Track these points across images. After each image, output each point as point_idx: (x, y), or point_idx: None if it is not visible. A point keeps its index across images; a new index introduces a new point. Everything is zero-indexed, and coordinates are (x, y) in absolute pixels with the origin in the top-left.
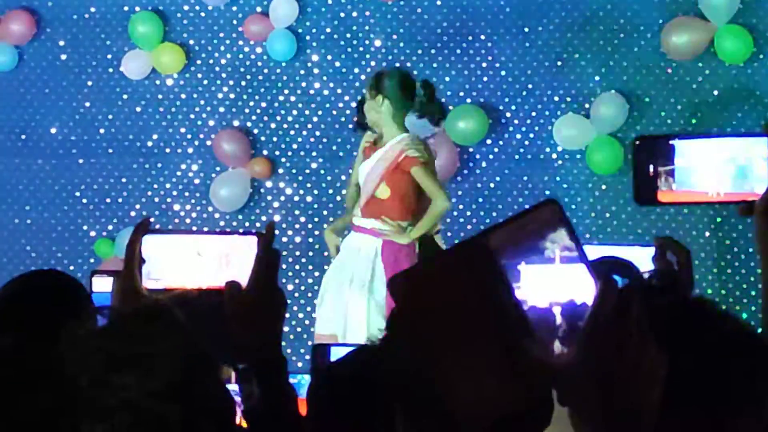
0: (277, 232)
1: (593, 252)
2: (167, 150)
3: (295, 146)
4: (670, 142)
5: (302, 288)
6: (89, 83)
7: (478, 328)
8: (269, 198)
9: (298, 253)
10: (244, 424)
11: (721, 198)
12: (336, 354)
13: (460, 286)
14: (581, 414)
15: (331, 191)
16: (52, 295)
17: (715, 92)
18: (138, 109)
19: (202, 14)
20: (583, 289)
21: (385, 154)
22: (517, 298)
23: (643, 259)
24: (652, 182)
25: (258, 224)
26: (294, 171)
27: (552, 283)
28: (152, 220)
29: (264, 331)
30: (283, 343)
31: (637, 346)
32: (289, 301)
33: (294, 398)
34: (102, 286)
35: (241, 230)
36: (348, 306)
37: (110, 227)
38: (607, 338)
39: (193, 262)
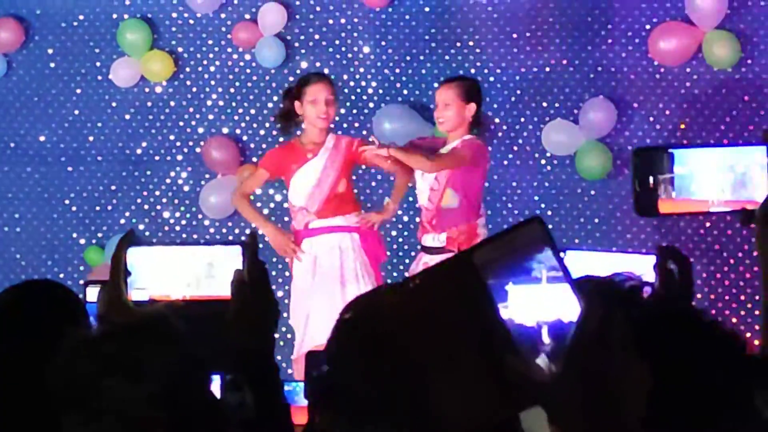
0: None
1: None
2: (156, 157)
3: None
4: (669, 151)
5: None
6: (78, 91)
7: (463, 343)
8: (259, 205)
9: (288, 260)
10: None
11: (720, 207)
12: None
13: (445, 301)
14: (566, 430)
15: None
16: (47, 305)
17: (704, 97)
18: (127, 116)
19: (191, 21)
20: (570, 307)
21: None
22: (501, 315)
23: (643, 267)
24: (652, 194)
25: (248, 231)
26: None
27: (539, 303)
28: (141, 227)
29: (259, 336)
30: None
31: (620, 363)
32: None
33: (287, 407)
34: (95, 295)
35: (224, 240)
36: None
37: (100, 235)
38: (590, 355)
39: (178, 272)
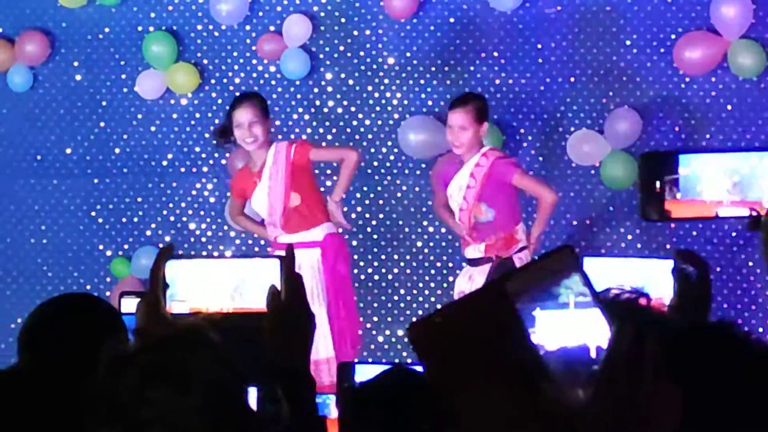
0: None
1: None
2: (182, 169)
3: None
4: (675, 155)
5: None
6: (104, 103)
7: (497, 371)
8: None
9: None
10: None
11: (727, 210)
12: (361, 372)
13: (479, 331)
14: None
15: (345, 209)
16: (86, 318)
17: (729, 107)
18: (152, 128)
19: (216, 34)
20: (598, 333)
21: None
22: (534, 343)
23: (661, 271)
24: (658, 198)
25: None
26: None
27: (566, 328)
28: (167, 238)
29: (296, 349)
30: None
31: (651, 388)
32: None
33: (323, 420)
34: (130, 306)
35: (262, 254)
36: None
37: (126, 246)
38: (621, 380)
39: (216, 285)
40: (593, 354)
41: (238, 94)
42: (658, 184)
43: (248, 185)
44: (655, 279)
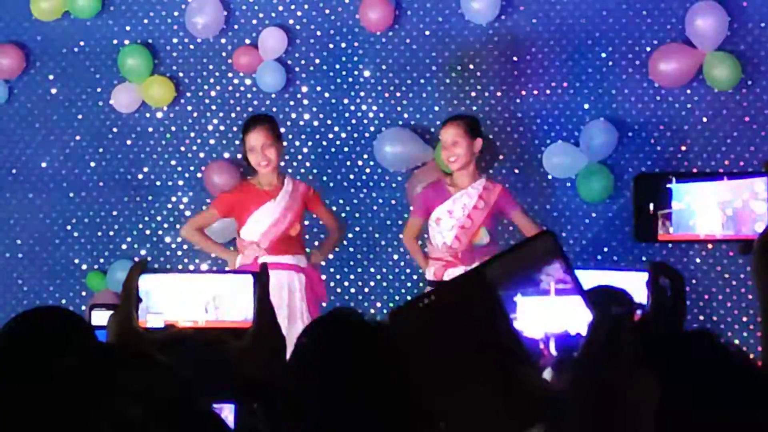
0: None
1: (587, 277)
2: (158, 183)
3: None
4: (668, 185)
5: None
6: (79, 117)
7: (477, 356)
8: None
9: None
10: None
11: (718, 238)
12: None
13: (460, 317)
14: None
15: (320, 222)
16: (54, 331)
17: (704, 119)
18: (128, 142)
19: (191, 47)
20: (577, 319)
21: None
22: (515, 328)
23: (636, 283)
24: (651, 220)
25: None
26: None
27: (547, 314)
28: (142, 252)
29: (273, 365)
30: None
31: (627, 374)
32: None
33: None
34: (100, 319)
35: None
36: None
37: (101, 260)
38: (599, 366)
39: (188, 300)
40: (574, 341)
41: (249, 117)
42: (651, 206)
43: (254, 201)
44: (631, 292)
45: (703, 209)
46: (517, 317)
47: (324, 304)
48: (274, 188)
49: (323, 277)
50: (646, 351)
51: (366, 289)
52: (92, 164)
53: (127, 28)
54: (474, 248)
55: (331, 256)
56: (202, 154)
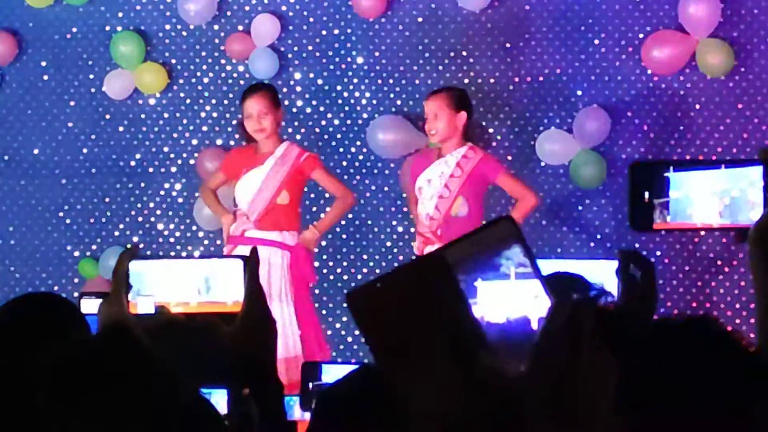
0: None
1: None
2: (150, 169)
3: None
4: (665, 174)
5: None
6: (72, 103)
7: (433, 340)
8: None
9: None
10: None
11: (715, 227)
12: (328, 372)
13: (418, 299)
14: (533, 426)
15: (314, 208)
16: (49, 316)
17: (697, 106)
18: (121, 128)
19: (184, 33)
20: (537, 304)
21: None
22: (473, 313)
23: (607, 272)
24: (647, 209)
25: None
26: None
27: (507, 299)
28: (135, 239)
29: (263, 352)
30: None
31: (587, 360)
32: None
33: (293, 426)
34: (90, 307)
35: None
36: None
37: (94, 247)
38: (559, 349)
39: (178, 285)
40: (534, 325)
41: (250, 84)
42: (647, 195)
43: (247, 164)
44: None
45: (699, 198)
46: (477, 302)
47: (311, 285)
48: (267, 155)
49: (316, 264)
50: (619, 339)
51: (359, 276)
52: (84, 151)
53: (120, 14)
54: (450, 219)
55: (324, 243)
56: (195, 141)
